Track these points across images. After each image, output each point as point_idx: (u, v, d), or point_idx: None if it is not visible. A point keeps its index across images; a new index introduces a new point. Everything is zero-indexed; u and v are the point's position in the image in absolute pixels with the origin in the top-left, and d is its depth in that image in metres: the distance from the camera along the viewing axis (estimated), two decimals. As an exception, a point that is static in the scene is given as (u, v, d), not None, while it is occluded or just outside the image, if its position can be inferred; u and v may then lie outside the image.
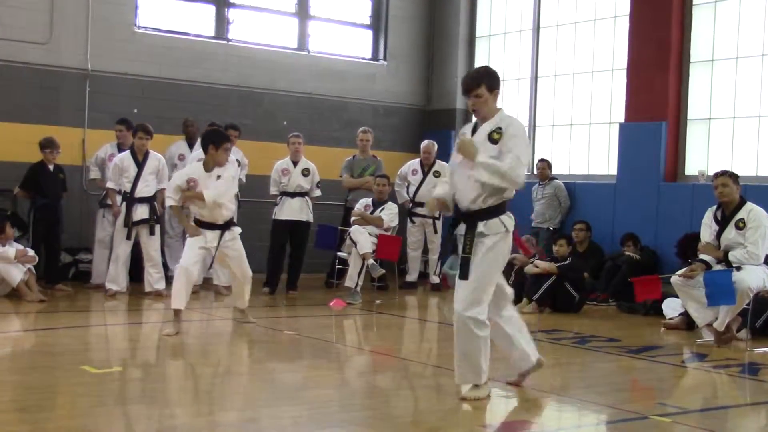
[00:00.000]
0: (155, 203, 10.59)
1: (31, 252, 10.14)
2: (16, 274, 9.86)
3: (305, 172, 11.43)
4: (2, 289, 10.00)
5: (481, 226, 5.74)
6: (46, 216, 10.74)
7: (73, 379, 6.14)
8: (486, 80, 5.85)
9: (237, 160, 11.98)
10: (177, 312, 8.06)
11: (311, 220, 11.45)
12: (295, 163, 11.43)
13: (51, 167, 10.82)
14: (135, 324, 9.15)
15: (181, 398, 5.84)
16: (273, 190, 11.48)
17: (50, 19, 11.88)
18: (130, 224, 10.46)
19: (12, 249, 9.96)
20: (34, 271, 10.09)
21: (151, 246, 10.56)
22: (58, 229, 10.94)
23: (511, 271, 11.03)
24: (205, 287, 11.18)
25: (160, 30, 12.85)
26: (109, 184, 10.70)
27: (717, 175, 8.74)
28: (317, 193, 11.52)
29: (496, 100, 5.90)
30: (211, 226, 8.28)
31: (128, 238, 10.49)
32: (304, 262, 11.58)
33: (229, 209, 8.40)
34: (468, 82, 5.88)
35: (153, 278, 10.55)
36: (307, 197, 11.43)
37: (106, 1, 12.22)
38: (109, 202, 10.85)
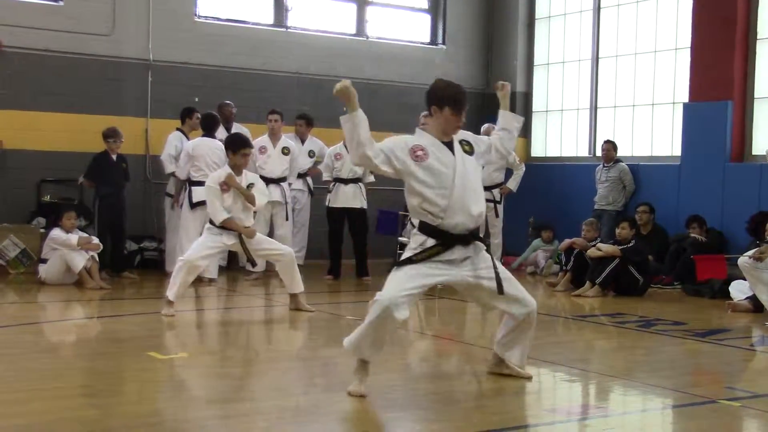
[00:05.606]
0: None
1: (95, 240, 10.32)
2: (79, 260, 10.05)
3: None
4: (69, 277, 10.20)
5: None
6: (111, 205, 10.89)
7: (139, 365, 6.23)
8: None
9: (312, 150, 12.11)
10: (170, 302, 8.22)
11: (365, 206, 11.42)
12: (347, 148, 11.42)
13: (114, 157, 10.98)
14: (199, 311, 9.26)
15: (246, 384, 5.90)
16: (326, 176, 11.48)
17: (113, 11, 12.06)
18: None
19: (75, 236, 10.16)
20: (96, 259, 10.26)
21: None
22: (123, 218, 11.10)
23: (570, 255, 10.93)
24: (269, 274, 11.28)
25: (219, 19, 12.95)
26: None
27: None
28: (371, 178, 11.46)
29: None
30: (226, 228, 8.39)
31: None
32: (370, 248, 11.59)
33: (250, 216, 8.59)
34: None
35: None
36: (360, 183, 11.40)
37: (167, -8, 12.38)
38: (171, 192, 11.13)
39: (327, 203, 11.47)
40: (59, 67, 11.77)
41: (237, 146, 8.48)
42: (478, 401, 5.53)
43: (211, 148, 10.71)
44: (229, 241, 8.38)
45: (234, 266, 11.99)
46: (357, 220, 11.39)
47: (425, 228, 5.41)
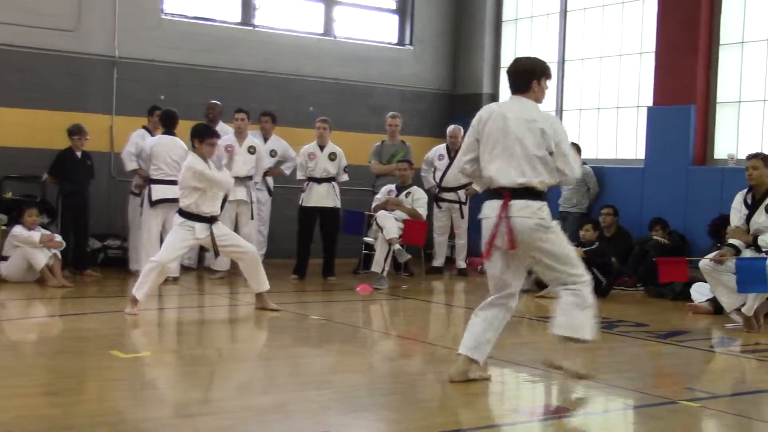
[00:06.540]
0: None
1: (58, 237, 10.24)
2: (41, 258, 9.96)
3: (332, 157, 11.41)
4: (31, 274, 10.10)
5: None
6: (74, 202, 10.81)
7: (102, 363, 6.19)
8: None
9: (274, 149, 12.02)
10: (136, 301, 8.09)
11: (339, 205, 11.44)
12: (321, 148, 11.43)
13: (79, 154, 10.89)
14: (163, 309, 9.21)
15: (209, 383, 5.88)
16: (300, 175, 11.49)
17: (78, 7, 11.94)
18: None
19: (37, 234, 10.07)
20: (59, 257, 10.17)
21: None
22: (87, 215, 11.01)
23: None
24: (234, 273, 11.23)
25: (186, 16, 12.89)
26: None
27: (749, 157, 8.63)
28: (344, 177, 11.50)
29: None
30: (198, 218, 8.29)
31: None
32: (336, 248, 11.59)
33: (218, 204, 8.49)
34: None
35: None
36: (334, 183, 11.42)
37: (134, -12, 12.28)
38: (135, 190, 11.03)
39: (300, 202, 11.45)
40: (22, 63, 11.63)
41: (203, 135, 8.41)
42: (441, 401, 5.55)
43: (170, 146, 10.60)
44: (201, 234, 8.29)
45: (199, 265, 11.94)
46: (329, 219, 11.38)
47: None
